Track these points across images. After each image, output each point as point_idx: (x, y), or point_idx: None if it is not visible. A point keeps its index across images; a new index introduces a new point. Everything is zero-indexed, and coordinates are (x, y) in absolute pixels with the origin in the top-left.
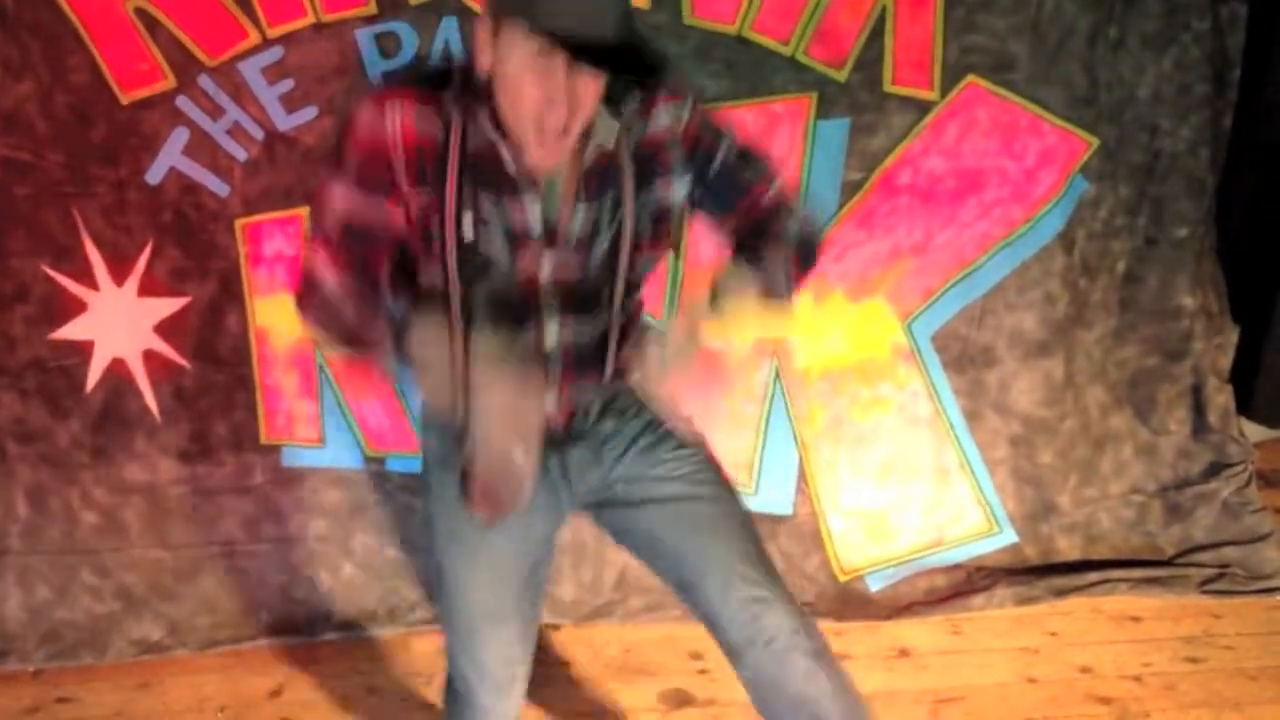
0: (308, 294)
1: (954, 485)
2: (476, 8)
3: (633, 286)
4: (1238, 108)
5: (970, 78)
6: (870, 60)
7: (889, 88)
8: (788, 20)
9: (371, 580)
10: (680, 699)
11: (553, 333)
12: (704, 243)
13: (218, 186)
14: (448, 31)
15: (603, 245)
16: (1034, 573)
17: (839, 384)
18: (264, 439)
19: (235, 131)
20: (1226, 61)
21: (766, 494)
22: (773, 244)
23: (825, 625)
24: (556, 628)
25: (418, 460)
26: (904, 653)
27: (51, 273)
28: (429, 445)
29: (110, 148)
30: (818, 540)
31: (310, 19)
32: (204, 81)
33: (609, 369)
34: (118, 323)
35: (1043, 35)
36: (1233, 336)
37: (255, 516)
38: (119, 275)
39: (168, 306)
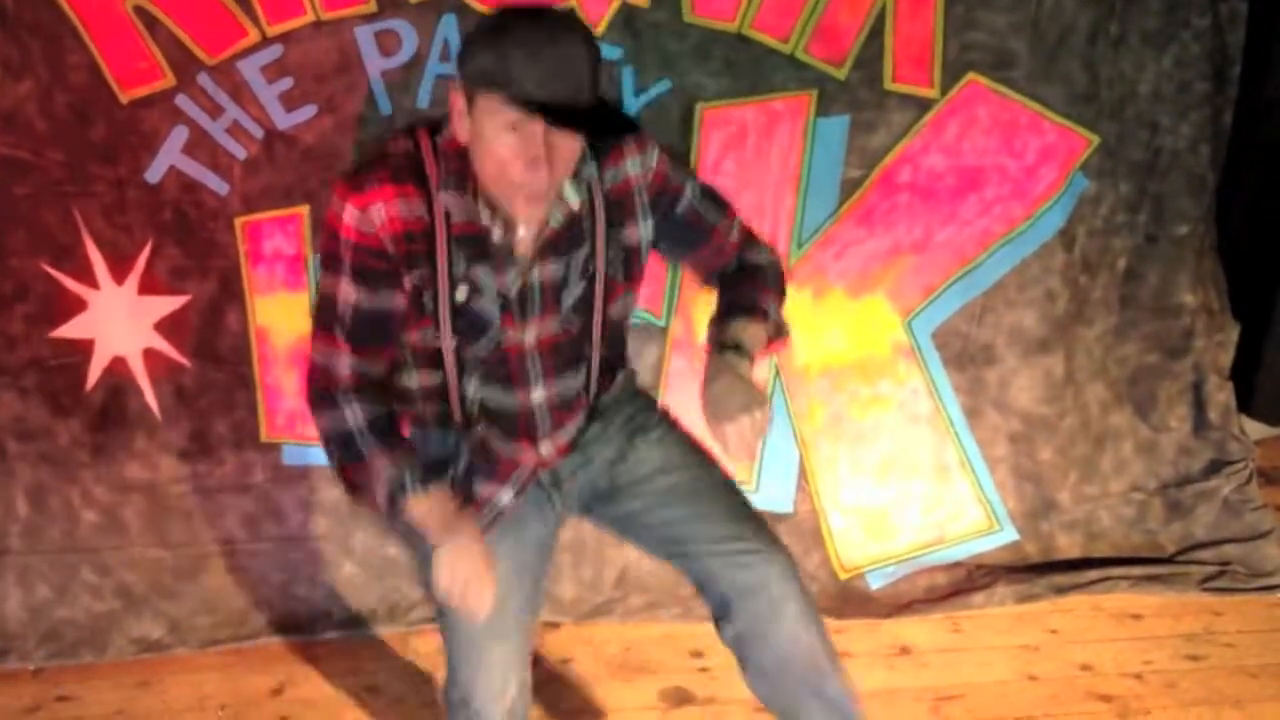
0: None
1: (954, 483)
2: (477, 6)
3: (615, 324)
4: (1238, 105)
5: (970, 75)
6: (870, 58)
7: (889, 85)
8: (788, 18)
9: (372, 579)
10: (680, 697)
11: (539, 392)
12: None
13: (217, 185)
14: (447, 29)
15: (574, 294)
16: (1034, 570)
17: (839, 381)
18: (264, 437)
19: (235, 130)
20: (1227, 59)
21: (766, 491)
22: (757, 283)
23: (826, 623)
24: (556, 626)
25: None
26: (904, 650)
27: (51, 271)
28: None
29: (110, 146)
30: (818, 538)
31: (310, 17)
32: (203, 80)
33: (591, 396)
34: (118, 321)
35: (1043, 32)
36: (1233, 334)
37: (256, 515)
38: (119, 274)
39: (168, 305)
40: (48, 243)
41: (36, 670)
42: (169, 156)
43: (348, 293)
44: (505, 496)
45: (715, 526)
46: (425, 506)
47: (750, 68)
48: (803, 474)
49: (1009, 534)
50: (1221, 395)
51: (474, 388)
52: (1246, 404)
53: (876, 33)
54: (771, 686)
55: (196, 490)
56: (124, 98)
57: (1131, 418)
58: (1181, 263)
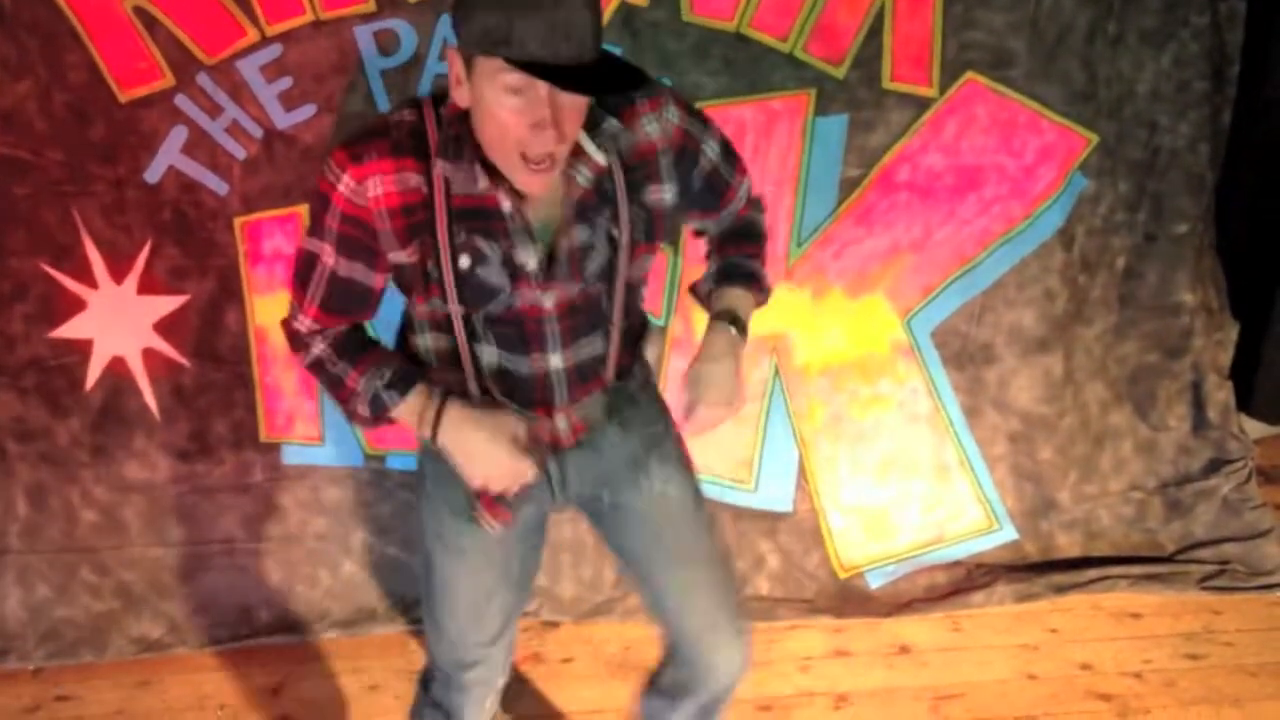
0: (303, 359)
1: (954, 482)
2: None
3: (633, 287)
4: (1237, 104)
5: (969, 74)
6: (869, 57)
7: (888, 84)
8: (786, 17)
9: (371, 578)
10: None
11: (557, 357)
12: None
13: (216, 185)
14: (446, 29)
15: (598, 259)
16: (1034, 569)
17: (838, 381)
18: (264, 437)
19: (234, 130)
20: (1225, 57)
21: (766, 490)
22: (754, 245)
23: (826, 622)
24: (556, 625)
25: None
26: (904, 650)
27: (51, 271)
28: (428, 453)
29: (109, 146)
30: (818, 537)
31: (309, 16)
32: (202, 80)
33: (611, 372)
34: (117, 321)
35: (1041, 31)
36: (1232, 332)
37: (255, 514)
38: (118, 273)
39: (167, 305)
40: (47, 242)
41: (36, 670)
42: (168, 156)
43: (326, 258)
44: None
45: (700, 600)
46: (409, 408)
47: (749, 67)
48: (802, 473)
49: (1008, 533)
50: (1221, 394)
51: (488, 353)
52: (1246, 403)
53: (875, 32)
54: (656, 712)
55: (196, 490)
56: (123, 97)
57: (1131, 417)
58: (1181, 261)
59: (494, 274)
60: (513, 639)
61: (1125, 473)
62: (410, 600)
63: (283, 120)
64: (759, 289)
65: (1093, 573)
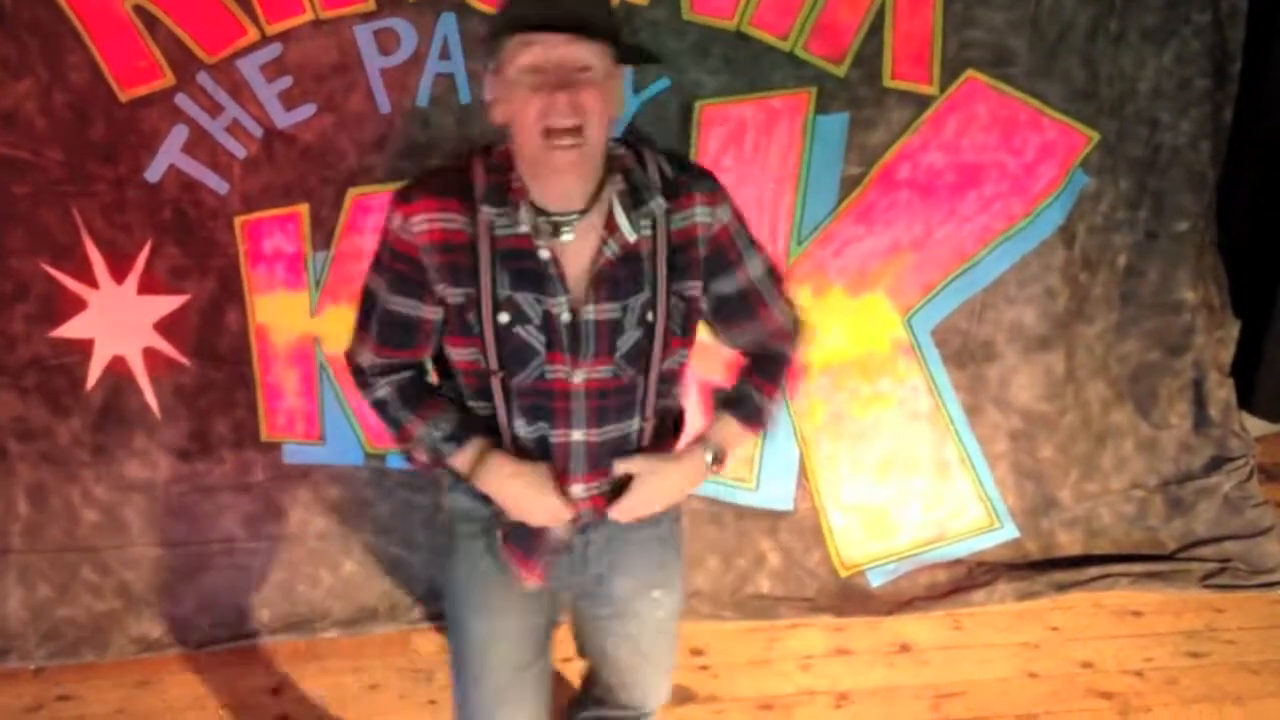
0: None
1: (954, 480)
2: (475, 4)
3: (666, 379)
4: (1238, 101)
5: (969, 72)
6: (869, 55)
7: (888, 82)
8: (787, 15)
9: (372, 577)
10: (682, 695)
11: (579, 434)
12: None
13: (217, 184)
14: (446, 28)
15: (630, 341)
16: (1035, 568)
17: (839, 379)
18: (264, 436)
19: (234, 129)
20: (1227, 55)
21: (767, 489)
22: (770, 378)
23: (826, 621)
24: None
25: None
26: (905, 648)
27: (51, 271)
28: (459, 504)
29: (109, 146)
30: (818, 536)
31: (309, 16)
32: (203, 79)
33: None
34: (118, 320)
35: (1042, 29)
36: (1234, 330)
37: (255, 514)
38: (119, 273)
39: (167, 304)
40: (47, 242)
41: (37, 669)
42: (168, 155)
43: (382, 294)
44: (556, 530)
45: (640, 687)
46: (463, 459)
47: (749, 65)
48: (803, 472)
49: (1009, 531)
50: (1222, 392)
51: (520, 424)
52: (1247, 401)
53: (876, 30)
54: None
55: (196, 489)
56: (123, 97)
57: (1132, 415)
58: (1182, 259)
59: (531, 334)
60: None
61: (1126, 471)
62: (411, 599)
63: (283, 119)
64: (757, 424)
65: (1094, 571)
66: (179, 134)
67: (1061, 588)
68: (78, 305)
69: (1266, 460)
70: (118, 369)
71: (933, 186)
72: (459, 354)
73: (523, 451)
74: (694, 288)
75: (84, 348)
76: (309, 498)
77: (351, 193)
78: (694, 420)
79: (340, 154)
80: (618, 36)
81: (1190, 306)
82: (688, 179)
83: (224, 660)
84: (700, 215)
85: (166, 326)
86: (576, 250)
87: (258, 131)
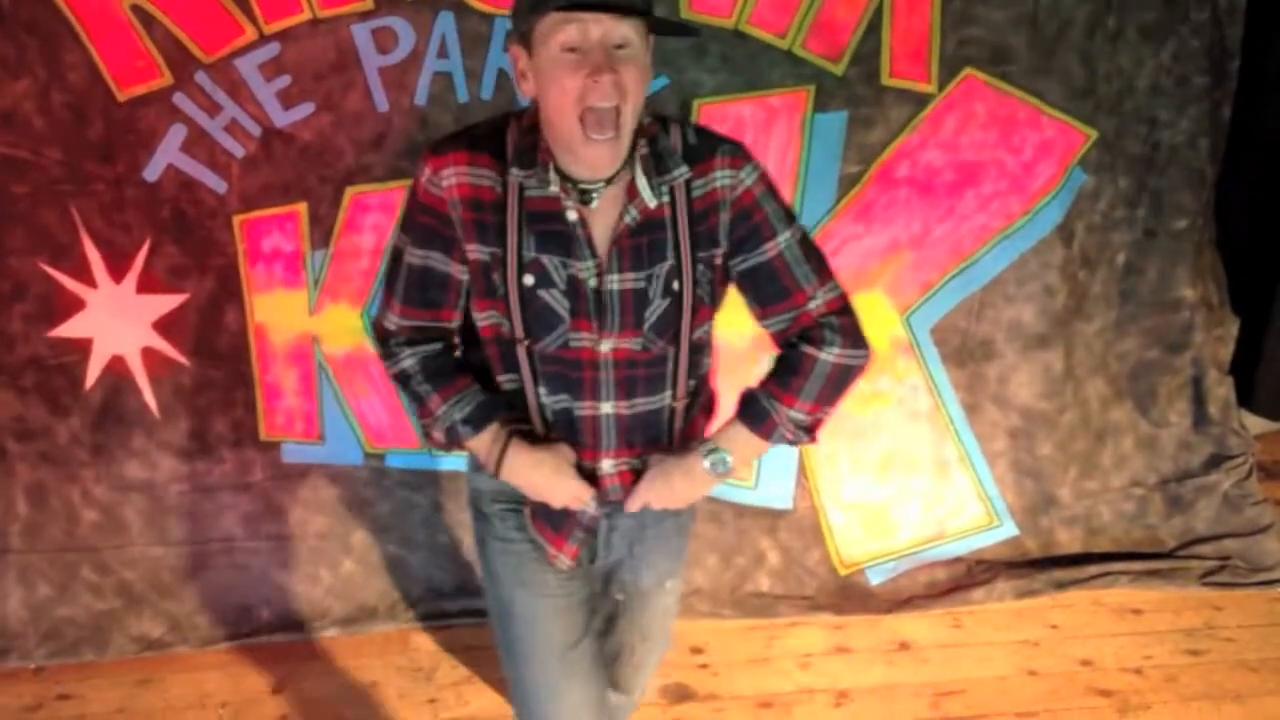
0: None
1: (954, 479)
2: (474, 4)
3: (696, 350)
4: (1237, 99)
5: (968, 70)
6: (868, 53)
7: (887, 81)
8: (785, 14)
9: (371, 576)
10: (681, 693)
11: (608, 406)
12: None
13: (215, 183)
14: (444, 26)
15: (657, 311)
16: (1034, 566)
17: None
18: (263, 436)
19: (232, 128)
20: (1225, 52)
21: (766, 488)
22: (795, 384)
23: (826, 619)
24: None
25: (417, 456)
26: (904, 646)
27: (50, 270)
28: (483, 485)
29: (108, 145)
30: (818, 534)
31: (307, 15)
32: (201, 78)
33: (675, 437)
34: (116, 320)
35: (1040, 27)
36: (1233, 328)
37: (255, 513)
38: (117, 272)
39: (166, 303)
40: (46, 242)
41: (38, 669)
42: (167, 155)
43: (408, 250)
44: (589, 506)
45: (631, 667)
46: (480, 443)
47: (747, 63)
48: (802, 470)
49: (1009, 529)
50: (1221, 390)
51: (545, 393)
52: (1246, 399)
53: (874, 28)
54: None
55: (196, 489)
56: (121, 96)
57: (1131, 413)
58: (1181, 257)
59: (556, 299)
60: None
61: (1126, 469)
62: (410, 598)
63: (281, 118)
64: (765, 432)
65: (1093, 569)
66: (177, 133)
67: (1061, 586)
68: (76, 305)
69: (1266, 458)
70: (117, 368)
71: (931, 185)
72: (483, 318)
73: (549, 424)
74: (719, 254)
75: (83, 347)
76: (308, 497)
77: (350, 191)
78: (726, 408)
79: (338, 153)
80: (651, 8)
81: (1189, 304)
82: (711, 144)
83: (224, 659)
84: (721, 178)
85: (165, 326)
86: (603, 215)
87: (256, 131)
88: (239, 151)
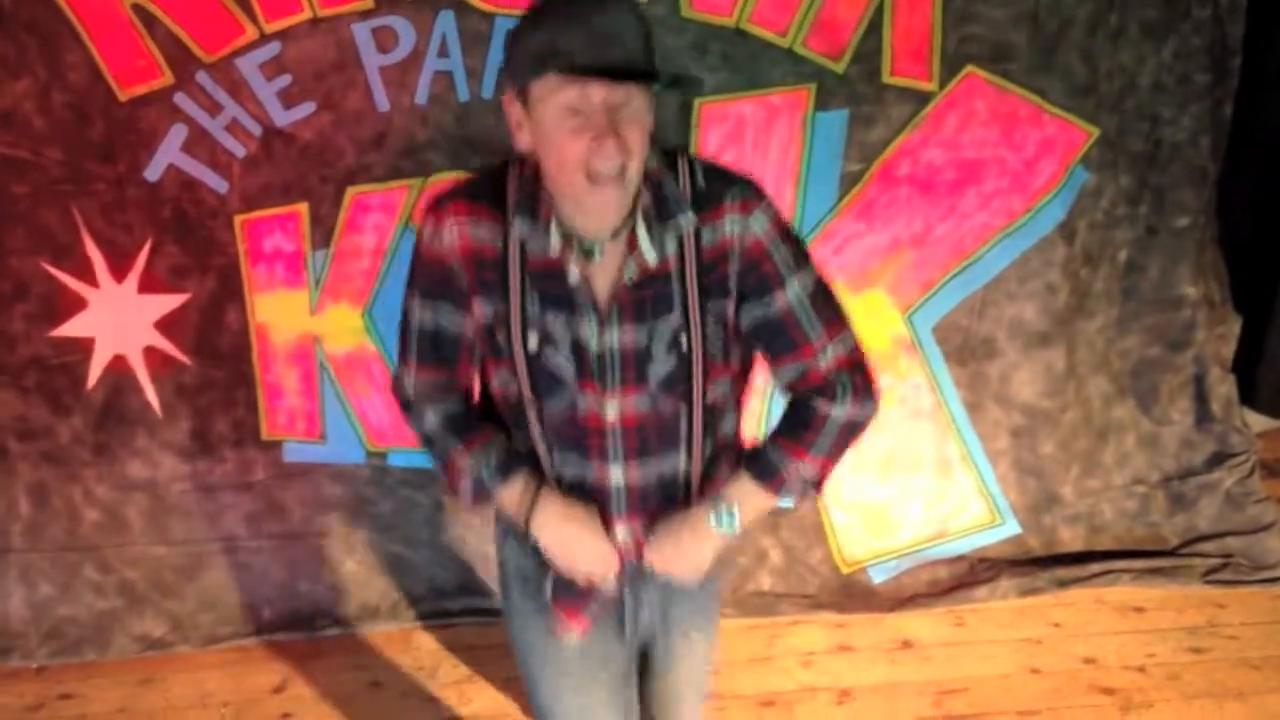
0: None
1: (956, 477)
2: (474, 3)
3: (716, 409)
4: (1238, 96)
5: (969, 68)
6: (869, 51)
7: (888, 79)
8: (785, 12)
9: (373, 575)
10: None
11: (618, 472)
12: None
13: (216, 183)
14: (444, 25)
15: (662, 369)
16: (1037, 564)
17: None
18: (265, 435)
19: (233, 128)
20: (1227, 50)
21: None
22: (804, 443)
23: (828, 617)
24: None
25: (419, 455)
26: (907, 644)
27: (51, 270)
28: (508, 558)
29: (109, 145)
30: (820, 533)
31: (307, 14)
32: (202, 78)
33: (690, 495)
34: (118, 319)
35: (1042, 25)
36: (1235, 326)
37: (257, 512)
38: (119, 272)
39: (168, 303)
40: (47, 242)
41: (39, 668)
42: (168, 154)
43: (418, 311)
44: (608, 582)
45: (682, 709)
46: (510, 493)
47: (748, 62)
48: None
49: (1011, 527)
50: (1223, 388)
51: (556, 454)
52: (1249, 396)
53: (875, 26)
54: None
55: (197, 488)
56: (122, 96)
57: (1133, 411)
58: (1183, 255)
59: (562, 361)
60: None
61: (1128, 467)
62: (412, 597)
63: (282, 118)
64: (773, 485)
65: (1096, 567)
66: (178, 133)
67: (1063, 584)
68: (78, 304)
69: (1268, 456)
70: (118, 368)
71: (933, 183)
72: (494, 380)
73: (565, 490)
74: (730, 304)
75: (85, 347)
76: (310, 496)
77: (351, 191)
78: None
79: (339, 152)
80: (654, 67)
81: (1191, 302)
82: (720, 187)
83: (226, 658)
84: (731, 225)
85: (167, 325)
86: (605, 270)
87: (257, 130)
88: (240, 151)
